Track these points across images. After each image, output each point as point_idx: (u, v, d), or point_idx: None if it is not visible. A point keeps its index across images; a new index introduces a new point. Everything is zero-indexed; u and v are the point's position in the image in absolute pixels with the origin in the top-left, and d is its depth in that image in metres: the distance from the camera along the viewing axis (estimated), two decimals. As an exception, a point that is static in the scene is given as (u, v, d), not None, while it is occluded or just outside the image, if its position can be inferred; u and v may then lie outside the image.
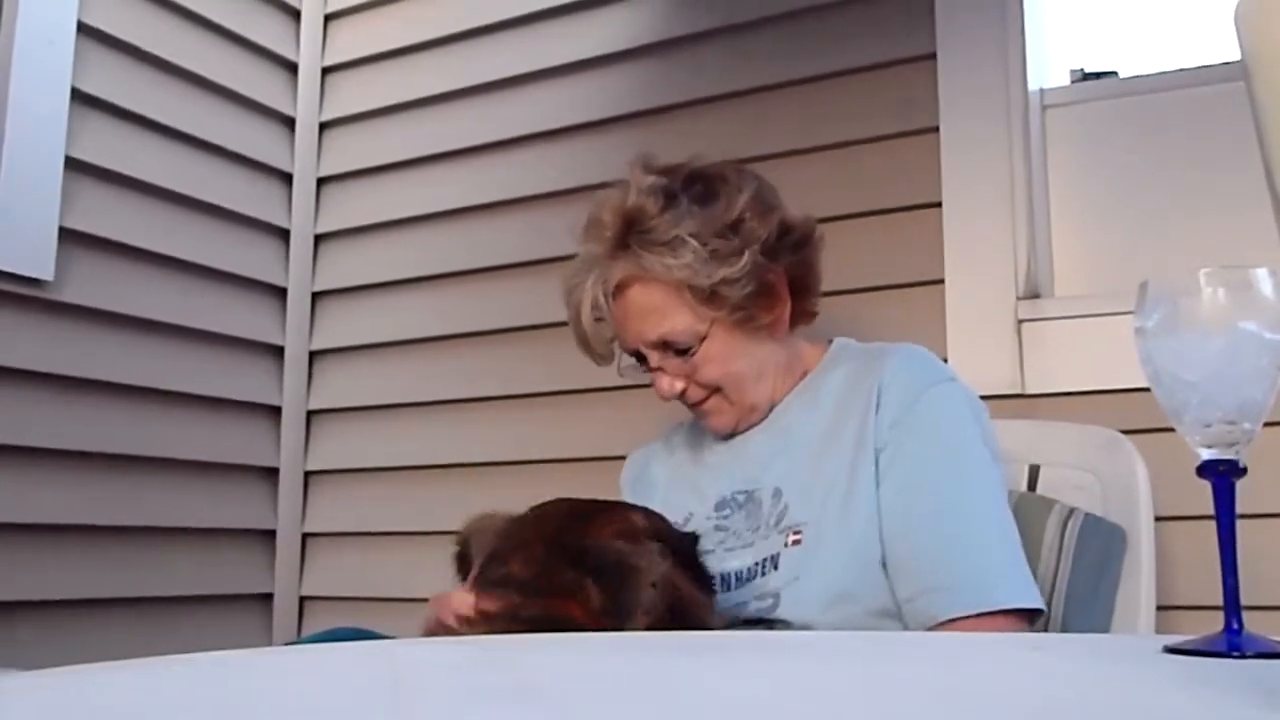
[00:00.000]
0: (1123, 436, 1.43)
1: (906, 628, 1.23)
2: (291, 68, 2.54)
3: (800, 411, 1.39)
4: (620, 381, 1.47)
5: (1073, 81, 1.88)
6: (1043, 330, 1.74)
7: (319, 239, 2.54)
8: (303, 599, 2.42)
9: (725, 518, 1.37)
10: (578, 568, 1.04)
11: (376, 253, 2.46)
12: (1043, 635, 1.21)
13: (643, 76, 2.17)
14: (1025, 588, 1.21)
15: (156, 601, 2.12)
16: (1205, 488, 0.75)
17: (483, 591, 1.08)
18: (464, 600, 1.10)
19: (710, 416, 1.42)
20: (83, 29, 2.04)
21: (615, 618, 1.01)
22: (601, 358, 1.43)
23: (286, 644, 2.06)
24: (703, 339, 1.35)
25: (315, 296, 2.52)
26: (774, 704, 0.57)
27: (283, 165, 2.50)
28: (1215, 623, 0.74)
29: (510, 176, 2.29)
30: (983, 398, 1.36)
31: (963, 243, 1.81)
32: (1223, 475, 0.74)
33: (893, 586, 1.24)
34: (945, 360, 1.64)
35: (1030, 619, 1.21)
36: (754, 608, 1.27)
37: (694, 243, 1.30)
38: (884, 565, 1.25)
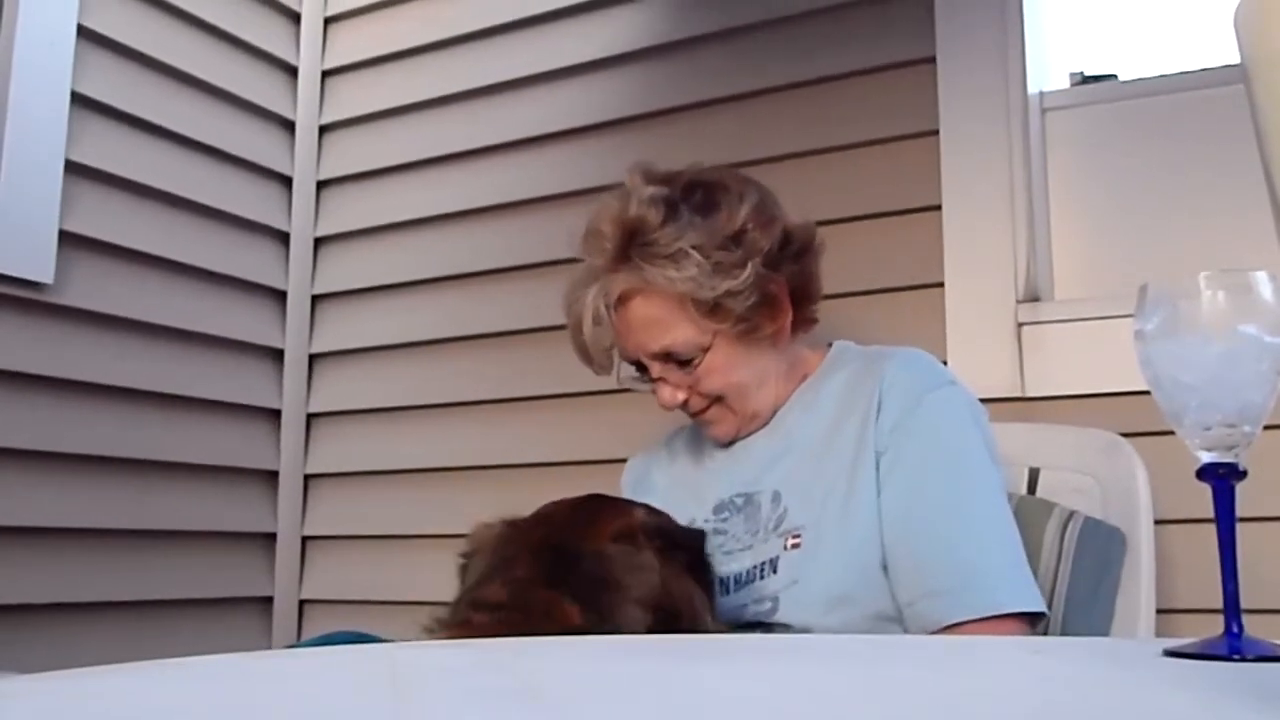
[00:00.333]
0: (1122, 439, 1.43)
1: (907, 631, 1.23)
2: (291, 71, 2.54)
3: (800, 415, 1.39)
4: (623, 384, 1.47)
5: (1072, 84, 1.88)
6: (1042, 333, 1.74)
7: (319, 242, 2.54)
8: (302, 602, 2.41)
9: (724, 521, 1.37)
10: (560, 584, 1.04)
11: (376, 256, 2.46)
12: (1042, 639, 1.21)
13: (643, 79, 2.18)
14: (1027, 591, 1.21)
15: (156, 605, 2.12)
16: (1205, 491, 0.75)
17: (469, 612, 1.08)
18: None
19: (712, 425, 1.42)
20: (82, 32, 2.04)
21: (601, 630, 1.01)
22: (601, 368, 1.42)
23: (286, 647, 2.06)
24: (705, 350, 1.35)
25: (315, 299, 2.52)
26: (774, 706, 0.57)
27: (283, 168, 2.50)
28: (1215, 626, 0.74)
29: (510, 180, 2.29)
30: (982, 401, 1.36)
31: (962, 246, 1.81)
32: (1222, 478, 0.74)
33: (893, 590, 1.24)
34: (945, 363, 1.64)
35: (1032, 622, 1.21)
36: (753, 611, 1.27)
37: (697, 255, 1.30)
38: (884, 569, 1.25)
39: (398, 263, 2.42)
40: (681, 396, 1.38)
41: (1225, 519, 0.74)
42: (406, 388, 2.37)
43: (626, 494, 1.55)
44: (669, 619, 1.05)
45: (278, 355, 2.46)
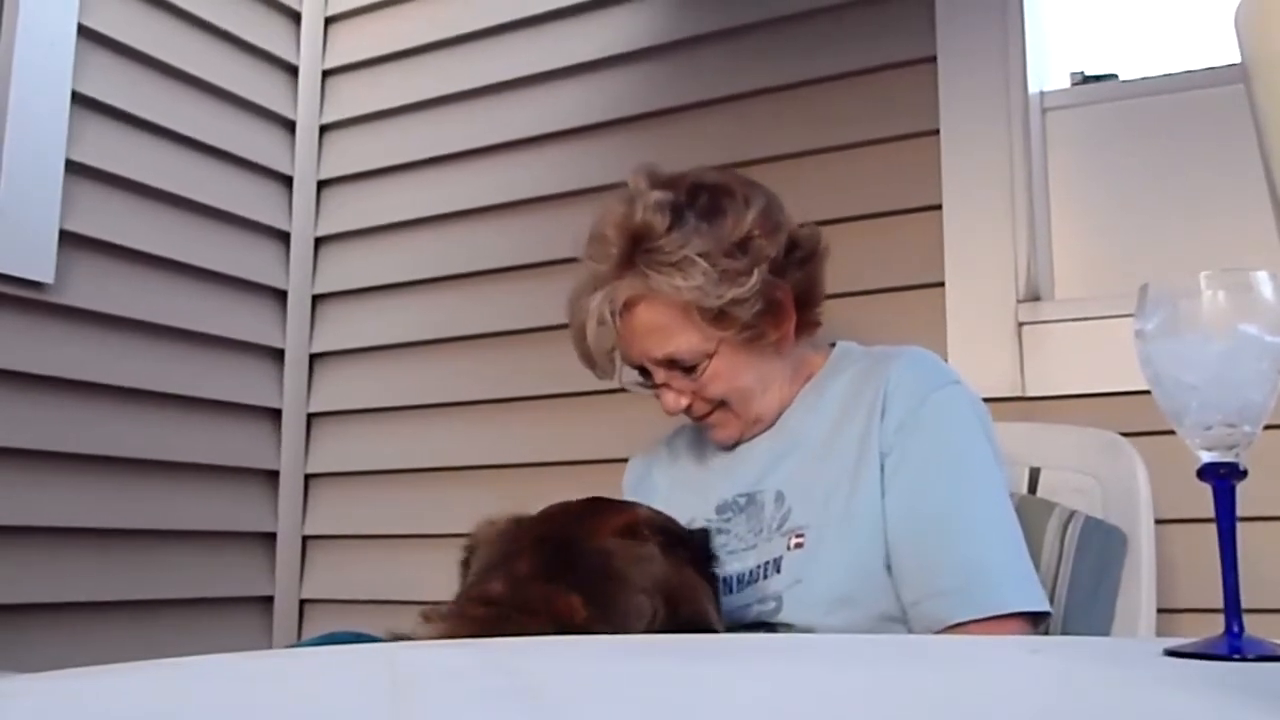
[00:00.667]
0: (1123, 439, 1.43)
1: (912, 631, 1.23)
2: (292, 70, 2.54)
3: (804, 416, 1.39)
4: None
5: (1073, 84, 1.88)
6: (1043, 333, 1.74)
7: (319, 242, 2.54)
8: (303, 602, 2.41)
9: (726, 521, 1.37)
10: (562, 579, 1.04)
11: (377, 255, 2.46)
12: (1043, 638, 1.21)
13: (643, 79, 2.18)
14: (1031, 591, 1.21)
15: (157, 604, 2.12)
16: (1205, 490, 0.75)
17: (468, 607, 1.08)
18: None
19: (715, 429, 1.42)
20: (83, 32, 2.04)
21: (607, 626, 1.01)
22: (604, 373, 1.42)
23: (287, 647, 2.06)
24: (710, 357, 1.34)
25: (315, 299, 2.52)
26: (775, 706, 0.57)
27: (283, 168, 2.50)
28: (1216, 625, 0.74)
29: (510, 179, 2.29)
30: (983, 400, 1.36)
31: (963, 245, 1.81)
32: (1223, 478, 0.74)
33: (898, 590, 1.24)
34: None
35: (1035, 622, 1.21)
36: (756, 611, 1.27)
37: (703, 263, 1.29)
38: (888, 569, 1.25)
39: (398, 262, 2.42)
40: (685, 402, 1.38)
41: (1226, 518, 0.74)
42: (407, 387, 2.37)
43: (628, 494, 1.55)
44: (673, 610, 1.04)
45: (278, 355, 2.46)
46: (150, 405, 2.15)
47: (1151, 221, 1.78)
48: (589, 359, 1.39)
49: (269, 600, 2.38)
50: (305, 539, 2.44)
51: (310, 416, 2.49)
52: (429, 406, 2.34)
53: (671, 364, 1.36)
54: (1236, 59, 0.68)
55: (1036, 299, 1.78)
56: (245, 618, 2.35)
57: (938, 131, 1.85)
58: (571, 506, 1.15)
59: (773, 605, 1.26)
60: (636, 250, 1.32)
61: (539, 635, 0.98)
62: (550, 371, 2.14)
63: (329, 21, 2.60)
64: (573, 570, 1.04)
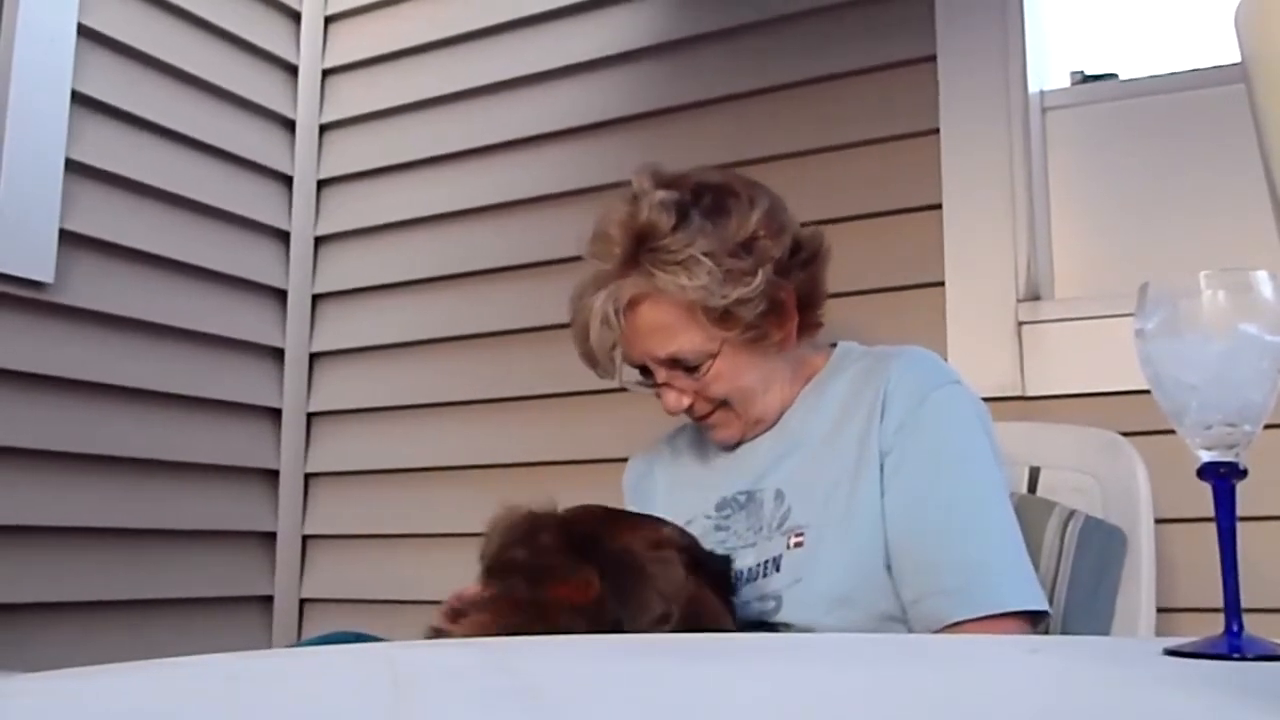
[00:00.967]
0: (1123, 439, 1.43)
1: (912, 630, 1.23)
2: (292, 70, 2.54)
3: (805, 416, 1.39)
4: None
5: (1073, 84, 1.88)
6: (1043, 332, 1.74)
7: (319, 241, 2.54)
8: (303, 601, 2.41)
9: (726, 518, 1.37)
10: (583, 558, 1.05)
11: (376, 255, 2.46)
12: (1042, 638, 1.21)
13: (642, 79, 2.18)
14: (1031, 590, 1.21)
15: (156, 604, 2.12)
16: (1205, 490, 0.75)
17: (489, 577, 1.09)
18: (469, 591, 1.11)
19: (716, 429, 1.42)
20: (83, 31, 2.04)
21: (621, 614, 1.02)
22: (606, 372, 1.41)
23: (287, 647, 2.06)
24: (712, 357, 1.34)
25: (315, 299, 2.52)
26: (775, 707, 0.57)
27: (283, 167, 2.50)
28: (1215, 625, 0.74)
29: (510, 179, 2.29)
30: (983, 400, 1.36)
31: (963, 245, 1.81)
32: (1223, 477, 0.74)
33: (898, 589, 1.24)
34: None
35: (1035, 621, 1.21)
36: (756, 609, 1.27)
37: (708, 262, 1.29)
38: (888, 569, 1.25)
39: (398, 262, 2.42)
40: (687, 401, 1.38)
41: (1225, 518, 0.74)
42: (407, 387, 2.37)
43: (628, 493, 1.55)
44: (687, 619, 1.05)
45: (278, 354, 2.46)
46: (150, 405, 2.15)
47: (1151, 221, 1.78)
48: (591, 358, 1.39)
49: (269, 600, 2.39)
50: (305, 538, 2.44)
51: (310, 416, 2.49)
52: (429, 406, 2.34)
53: (674, 363, 1.36)
54: (1236, 58, 0.68)
55: (1036, 298, 1.78)
56: (245, 617, 2.35)
57: (937, 131, 1.86)
58: (594, 509, 1.16)
59: (772, 604, 1.26)
60: (641, 249, 1.32)
61: (550, 608, 0.99)
62: (549, 371, 2.14)
63: (329, 21, 2.60)
64: (596, 554, 1.05)
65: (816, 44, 1.99)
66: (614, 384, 1.47)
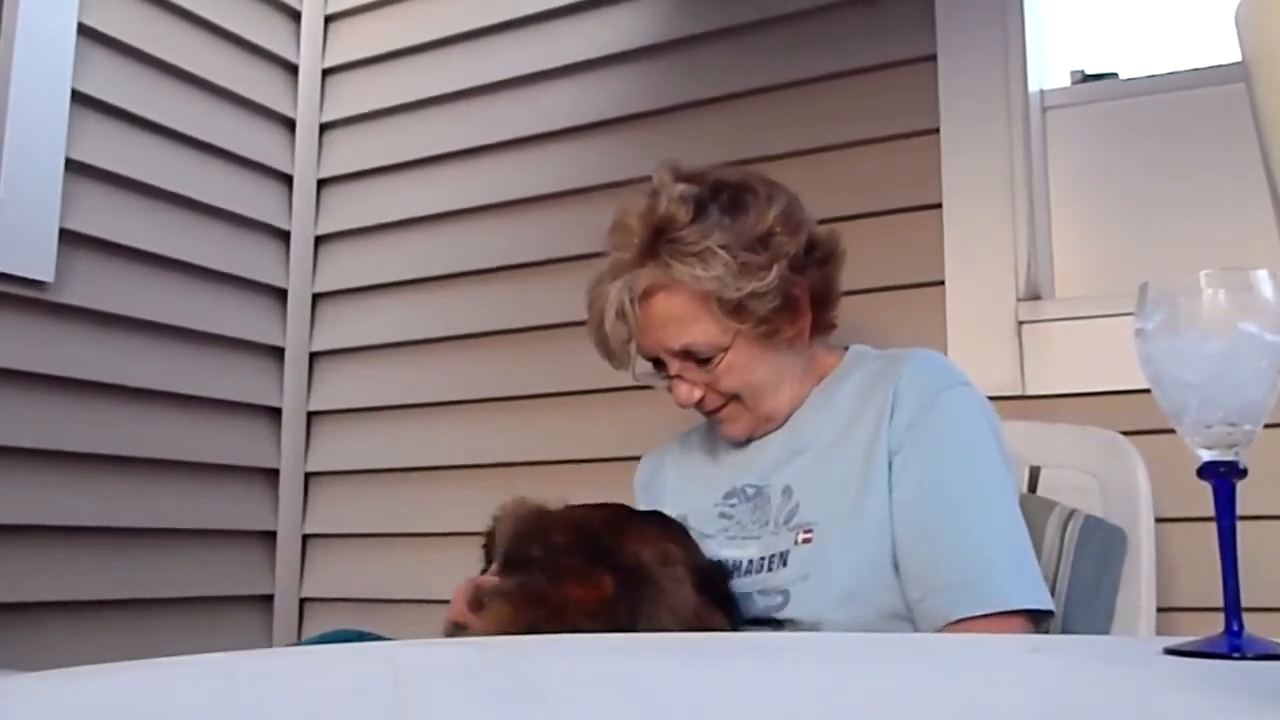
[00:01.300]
0: (1123, 438, 1.43)
1: (917, 628, 1.23)
2: (292, 69, 2.54)
3: (815, 416, 1.40)
4: (623, 383, 1.47)
5: (1073, 83, 1.88)
6: (1043, 332, 1.74)
7: (319, 240, 2.54)
8: (303, 600, 2.42)
9: (731, 506, 1.39)
10: (598, 560, 1.05)
11: (377, 254, 2.46)
12: (1043, 637, 1.21)
13: (643, 78, 2.18)
14: (1035, 589, 1.21)
15: (157, 603, 2.13)
16: (1205, 489, 0.75)
17: (504, 571, 1.09)
18: (487, 580, 1.11)
19: (726, 424, 1.43)
20: (83, 30, 2.04)
21: (631, 624, 1.02)
22: (620, 363, 1.42)
23: (287, 646, 2.06)
24: (725, 350, 1.36)
25: (315, 298, 2.52)
26: (776, 706, 0.57)
27: (283, 167, 2.50)
28: (1216, 624, 0.74)
29: (510, 178, 2.30)
30: (983, 399, 1.36)
31: (963, 244, 1.81)
32: (1223, 477, 0.74)
33: (904, 587, 1.25)
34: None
35: (1038, 620, 1.21)
36: (763, 605, 1.28)
37: (724, 255, 1.31)
38: (895, 567, 1.26)
39: (398, 261, 2.42)
40: (698, 394, 1.39)
41: (1226, 517, 0.74)
42: (407, 385, 2.37)
43: (640, 490, 1.57)
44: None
45: (278, 353, 2.46)
46: (150, 404, 2.15)
47: (1151, 220, 1.78)
48: (605, 346, 1.40)
49: (269, 599, 2.39)
50: (305, 537, 2.44)
51: (310, 415, 2.49)
52: (429, 405, 2.34)
53: (687, 355, 1.37)
54: (1237, 57, 0.68)
55: (1037, 298, 1.78)
56: (245, 616, 2.35)
57: (938, 130, 1.86)
58: (604, 512, 1.16)
59: (779, 600, 1.27)
60: (659, 240, 1.34)
61: (569, 607, 0.99)
62: (549, 370, 2.15)
63: (329, 20, 2.60)
64: (610, 560, 1.06)
65: (816, 43, 1.99)
66: (613, 379, 1.47)
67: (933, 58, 1.88)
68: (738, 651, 0.87)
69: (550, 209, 2.24)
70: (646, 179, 1.42)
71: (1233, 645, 0.72)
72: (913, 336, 1.75)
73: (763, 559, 1.31)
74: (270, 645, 2.33)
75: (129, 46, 2.15)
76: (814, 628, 1.24)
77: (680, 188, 1.36)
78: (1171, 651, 0.73)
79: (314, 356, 2.51)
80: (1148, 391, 0.77)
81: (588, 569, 1.05)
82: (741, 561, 1.32)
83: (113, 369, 2.08)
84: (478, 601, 1.13)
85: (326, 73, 2.58)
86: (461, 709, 0.57)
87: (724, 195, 1.36)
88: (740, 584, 1.30)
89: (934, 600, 1.21)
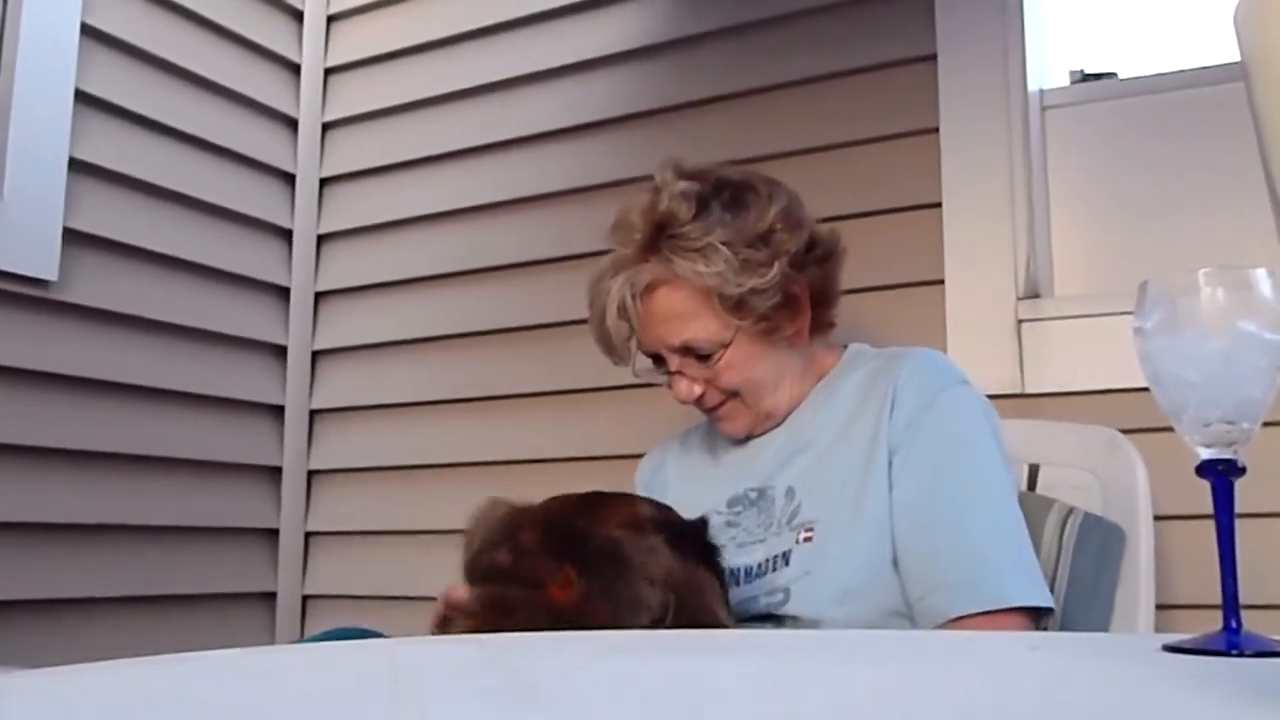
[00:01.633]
0: (1122, 436, 1.43)
1: (916, 625, 1.23)
2: (294, 69, 2.54)
3: (814, 414, 1.41)
4: (624, 381, 1.47)
5: (1072, 82, 1.88)
6: (1042, 330, 1.74)
7: (321, 239, 2.54)
8: (305, 598, 2.42)
9: (736, 514, 1.38)
10: (568, 557, 1.05)
11: (379, 253, 2.47)
12: (1041, 634, 1.21)
13: (643, 77, 2.18)
14: (1035, 586, 1.21)
15: (159, 600, 2.13)
16: (1204, 487, 0.75)
17: (470, 582, 1.09)
18: (457, 592, 1.11)
19: (725, 421, 1.43)
20: (86, 30, 2.05)
21: (611, 609, 1.01)
22: (621, 359, 1.43)
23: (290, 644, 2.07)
24: (725, 346, 1.36)
25: (318, 296, 2.53)
26: (775, 704, 0.57)
27: (286, 166, 2.50)
28: (1214, 621, 0.74)
29: (512, 177, 2.30)
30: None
31: (963, 243, 1.81)
32: (1222, 475, 0.74)
33: (903, 585, 1.25)
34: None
35: (1037, 617, 1.21)
36: (764, 603, 1.28)
37: (726, 251, 1.31)
38: (895, 565, 1.26)
39: (400, 259, 2.42)
40: (698, 390, 1.39)
41: (1224, 515, 0.74)
42: (409, 384, 2.37)
43: (640, 488, 1.56)
44: (680, 603, 1.05)
45: (281, 351, 2.47)
46: (153, 402, 2.15)
47: (1150, 219, 1.78)
48: (606, 341, 1.41)
49: (271, 596, 2.39)
50: (307, 535, 2.44)
51: (313, 413, 2.49)
52: (431, 403, 2.35)
53: (687, 351, 1.37)
54: (1235, 57, 0.68)
55: (1036, 296, 1.78)
56: (248, 613, 2.35)
57: (937, 129, 1.86)
58: (572, 498, 1.16)
59: (780, 597, 1.27)
60: (661, 236, 1.34)
61: (538, 610, 0.99)
62: (551, 368, 2.15)
63: (331, 20, 2.60)
64: (579, 551, 1.05)
65: (817, 43, 2.00)
66: (615, 377, 1.48)
67: (932, 57, 1.88)
68: (736, 649, 0.87)
69: (551, 208, 2.24)
70: (648, 178, 1.42)
71: (1231, 642, 0.72)
72: (912, 335, 1.75)
73: (768, 560, 1.31)
74: (272, 642, 2.33)
75: (132, 46, 2.15)
76: (814, 625, 1.24)
77: (682, 185, 1.36)
78: (1170, 648, 0.73)
79: (316, 355, 2.51)
80: (1146, 390, 0.77)
81: (553, 567, 1.04)
82: (751, 567, 1.32)
83: (116, 367, 2.08)
84: (445, 619, 1.12)
85: (329, 72, 2.58)
86: (460, 706, 0.57)
87: (726, 193, 1.37)
88: (747, 588, 1.30)
89: (933, 598, 1.21)
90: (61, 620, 1.96)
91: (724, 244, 1.31)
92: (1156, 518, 1.38)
